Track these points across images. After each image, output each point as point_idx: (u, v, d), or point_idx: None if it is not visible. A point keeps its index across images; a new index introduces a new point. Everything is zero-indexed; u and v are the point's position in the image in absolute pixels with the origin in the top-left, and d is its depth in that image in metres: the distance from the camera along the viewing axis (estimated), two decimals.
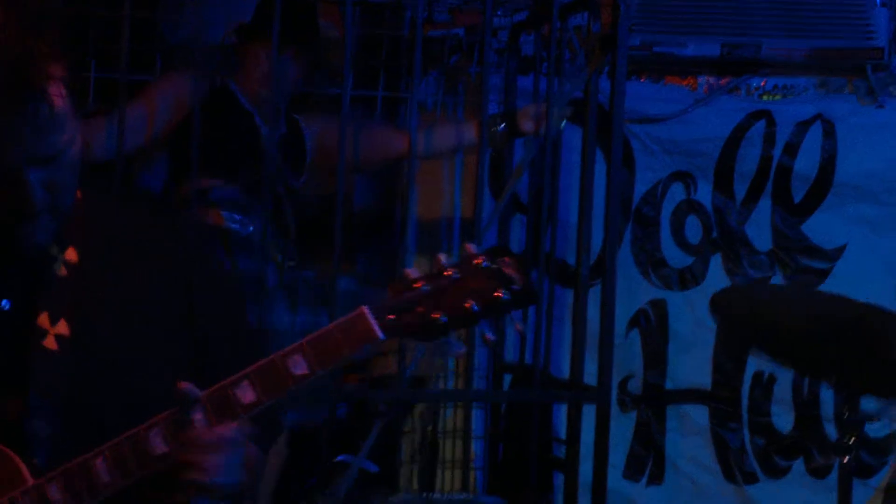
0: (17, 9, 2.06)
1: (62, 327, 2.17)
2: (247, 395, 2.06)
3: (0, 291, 2.18)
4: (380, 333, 2.05)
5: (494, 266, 2.05)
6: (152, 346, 2.23)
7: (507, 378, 4.67)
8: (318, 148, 4.40)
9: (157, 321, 2.25)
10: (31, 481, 2.07)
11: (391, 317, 2.05)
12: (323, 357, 2.07)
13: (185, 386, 2.06)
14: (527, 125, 4.17)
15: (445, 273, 2.05)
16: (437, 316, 2.04)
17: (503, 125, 4.23)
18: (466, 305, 2.04)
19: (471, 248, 2.09)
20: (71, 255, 2.21)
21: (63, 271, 2.20)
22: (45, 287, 2.19)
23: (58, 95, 2.05)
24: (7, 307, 2.18)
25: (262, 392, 2.07)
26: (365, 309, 2.06)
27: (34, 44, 2.05)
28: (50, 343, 2.15)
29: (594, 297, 4.12)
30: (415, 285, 2.05)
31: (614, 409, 4.37)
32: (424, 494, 3.25)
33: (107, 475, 2.07)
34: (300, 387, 2.07)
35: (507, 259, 2.06)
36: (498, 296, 2.04)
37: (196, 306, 2.28)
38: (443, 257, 2.07)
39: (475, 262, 2.06)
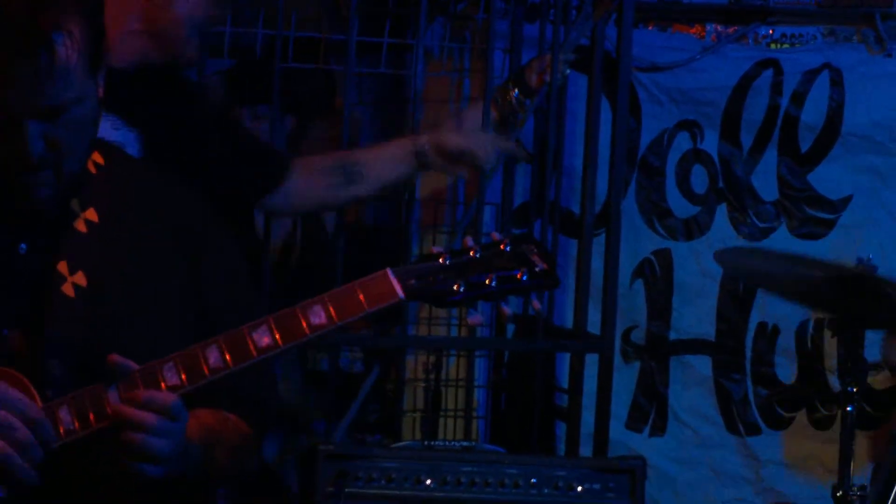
0: None
1: (80, 278, 2.25)
2: (264, 338, 2.16)
3: (16, 235, 2.25)
4: (401, 293, 2.17)
5: (518, 251, 2.21)
6: (161, 303, 2.33)
7: (510, 327, 4.67)
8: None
9: (167, 281, 2.35)
10: (41, 405, 2.14)
11: (412, 280, 2.18)
12: (342, 310, 2.17)
13: (116, 358, 2.13)
14: (534, 80, 4.11)
15: (470, 252, 2.20)
16: (457, 287, 2.17)
17: (516, 91, 4.09)
18: (486, 281, 2.18)
19: (496, 235, 2.25)
20: (91, 215, 2.30)
21: (83, 228, 2.28)
22: (64, 238, 2.27)
23: (65, 46, 2.07)
24: (24, 251, 2.25)
25: (280, 336, 2.16)
26: (388, 270, 2.19)
27: None
28: (68, 289, 2.24)
29: (598, 246, 4.12)
30: (439, 259, 2.20)
31: (617, 359, 4.36)
32: (426, 443, 3.25)
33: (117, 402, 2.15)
34: (317, 336, 2.17)
35: (532, 246, 2.22)
36: (518, 277, 2.18)
37: (204, 271, 2.38)
38: (469, 240, 2.23)
39: (500, 246, 2.22)
